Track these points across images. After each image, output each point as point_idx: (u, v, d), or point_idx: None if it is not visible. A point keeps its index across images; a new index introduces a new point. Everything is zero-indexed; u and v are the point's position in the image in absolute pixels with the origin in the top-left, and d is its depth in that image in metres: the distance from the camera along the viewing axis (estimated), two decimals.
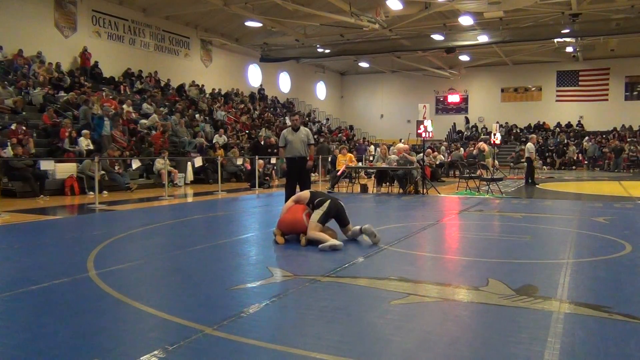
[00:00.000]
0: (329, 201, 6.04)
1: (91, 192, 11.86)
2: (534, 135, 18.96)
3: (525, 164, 16.74)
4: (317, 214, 5.92)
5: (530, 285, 4.13)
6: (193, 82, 24.03)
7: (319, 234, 5.75)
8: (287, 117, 28.14)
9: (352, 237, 6.14)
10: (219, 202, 11.58)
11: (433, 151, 20.67)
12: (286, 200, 7.99)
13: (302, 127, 8.79)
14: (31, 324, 3.26)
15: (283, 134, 8.91)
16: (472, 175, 13.78)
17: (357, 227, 6.06)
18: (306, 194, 6.40)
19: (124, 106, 17.47)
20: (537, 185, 15.72)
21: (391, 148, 14.98)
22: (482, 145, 20.27)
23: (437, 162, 20.32)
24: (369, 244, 5.92)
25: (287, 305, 3.68)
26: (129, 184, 13.53)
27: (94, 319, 3.36)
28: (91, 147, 13.82)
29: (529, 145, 16.31)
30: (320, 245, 5.56)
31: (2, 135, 12.63)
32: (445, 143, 26.22)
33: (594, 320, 3.37)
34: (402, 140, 20.75)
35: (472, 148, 22.28)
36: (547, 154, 29.45)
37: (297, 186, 8.61)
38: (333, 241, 5.61)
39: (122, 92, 19.24)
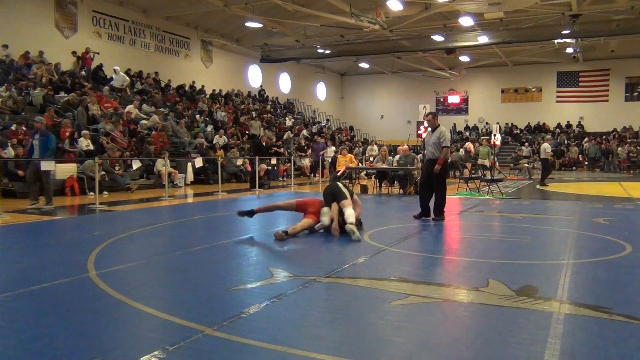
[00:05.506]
0: (324, 190, 7.18)
1: (91, 193, 11.86)
2: (549, 136, 19.06)
3: (526, 164, 16.78)
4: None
5: (530, 286, 4.13)
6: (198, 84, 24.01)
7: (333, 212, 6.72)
8: (287, 118, 28.14)
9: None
10: (219, 203, 11.58)
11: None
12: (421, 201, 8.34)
13: (439, 127, 8.32)
14: (31, 324, 3.26)
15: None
16: (473, 175, 13.77)
17: (349, 221, 6.41)
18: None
19: (131, 107, 17.48)
20: (537, 187, 15.72)
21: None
22: (468, 145, 20.36)
23: None
24: (368, 244, 5.92)
25: (287, 305, 3.68)
26: (129, 185, 13.52)
27: (94, 319, 3.36)
28: (91, 147, 13.82)
29: (545, 145, 16.46)
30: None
31: (3, 135, 12.64)
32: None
33: (594, 321, 3.37)
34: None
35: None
36: None
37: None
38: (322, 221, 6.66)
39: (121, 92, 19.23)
